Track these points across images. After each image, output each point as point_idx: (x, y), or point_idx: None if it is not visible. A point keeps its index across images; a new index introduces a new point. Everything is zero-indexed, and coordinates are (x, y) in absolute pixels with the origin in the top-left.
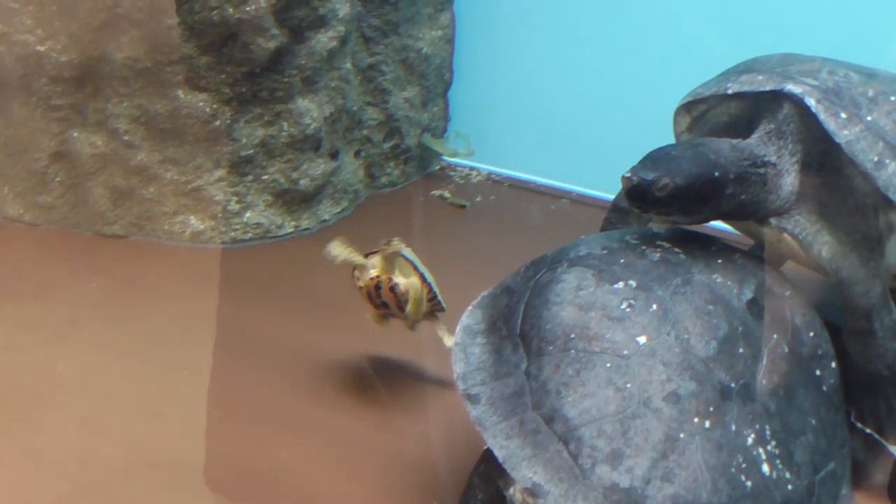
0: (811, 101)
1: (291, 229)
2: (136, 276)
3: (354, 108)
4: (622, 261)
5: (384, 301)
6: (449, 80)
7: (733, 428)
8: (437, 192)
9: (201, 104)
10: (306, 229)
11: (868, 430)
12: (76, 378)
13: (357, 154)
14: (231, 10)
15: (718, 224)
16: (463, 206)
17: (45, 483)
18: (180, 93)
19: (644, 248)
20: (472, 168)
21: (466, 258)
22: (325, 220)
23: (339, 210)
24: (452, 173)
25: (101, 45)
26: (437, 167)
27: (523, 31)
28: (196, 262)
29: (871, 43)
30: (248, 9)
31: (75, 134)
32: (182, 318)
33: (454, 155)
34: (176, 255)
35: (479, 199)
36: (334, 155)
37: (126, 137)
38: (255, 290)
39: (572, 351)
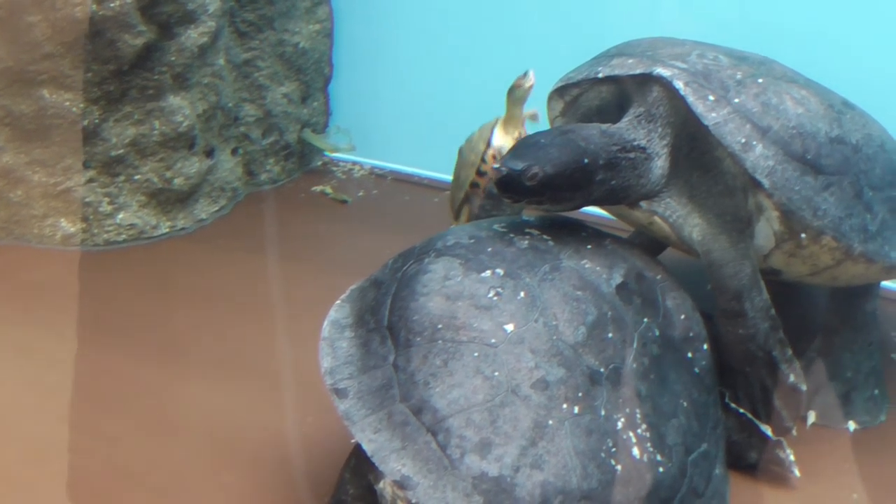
0: (679, 84)
1: (167, 229)
2: (20, 280)
3: (230, 105)
4: (490, 249)
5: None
6: (329, 75)
7: (603, 413)
8: (318, 188)
9: (67, 104)
10: (182, 229)
11: (742, 411)
12: None
13: (235, 151)
14: (95, 6)
15: (594, 209)
16: (345, 202)
17: None
18: (45, 92)
19: (512, 235)
20: (354, 163)
21: (347, 253)
22: (202, 220)
23: (216, 209)
24: (335, 168)
25: None
26: (319, 163)
27: (403, 24)
28: (72, 266)
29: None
30: (112, 5)
31: None
32: (72, 321)
33: (336, 150)
34: (50, 258)
35: (361, 193)
36: (210, 153)
37: None
38: (137, 290)
39: (440, 341)
